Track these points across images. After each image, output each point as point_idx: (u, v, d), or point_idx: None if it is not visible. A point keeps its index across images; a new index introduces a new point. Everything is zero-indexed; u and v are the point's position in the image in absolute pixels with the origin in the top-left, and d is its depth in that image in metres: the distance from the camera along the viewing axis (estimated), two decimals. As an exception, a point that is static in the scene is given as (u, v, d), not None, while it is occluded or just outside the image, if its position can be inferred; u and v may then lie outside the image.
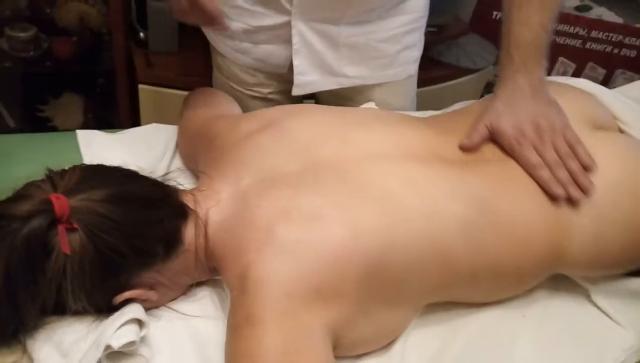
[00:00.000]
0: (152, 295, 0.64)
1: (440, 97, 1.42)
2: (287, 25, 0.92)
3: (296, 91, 1.00)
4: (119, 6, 1.42)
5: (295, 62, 0.96)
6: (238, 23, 0.96)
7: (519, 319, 0.73)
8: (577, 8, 1.93)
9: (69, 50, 1.54)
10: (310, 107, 0.88)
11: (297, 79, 0.98)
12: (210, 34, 1.07)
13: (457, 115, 0.86)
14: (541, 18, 0.76)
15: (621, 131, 0.84)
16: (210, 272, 0.69)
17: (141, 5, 1.51)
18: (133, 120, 1.56)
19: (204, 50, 1.62)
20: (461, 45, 1.78)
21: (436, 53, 1.71)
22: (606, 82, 2.08)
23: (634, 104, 0.89)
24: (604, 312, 0.75)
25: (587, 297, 0.76)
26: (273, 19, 0.93)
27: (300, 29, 0.92)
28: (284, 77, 1.03)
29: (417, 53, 1.07)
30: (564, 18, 1.94)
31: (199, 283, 0.71)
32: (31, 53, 1.51)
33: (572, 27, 1.97)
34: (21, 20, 1.53)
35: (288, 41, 0.94)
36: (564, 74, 2.05)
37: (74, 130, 0.94)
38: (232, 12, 0.95)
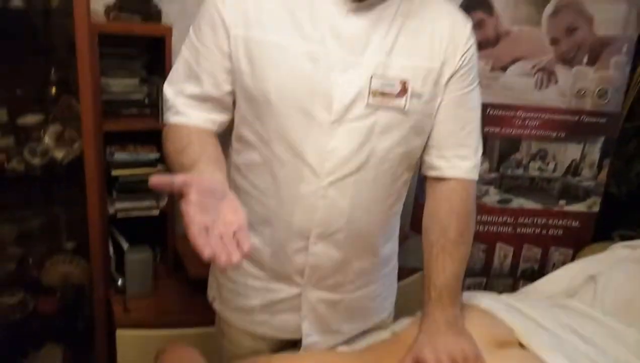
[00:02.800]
0: None
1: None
2: (298, 296, 1.03)
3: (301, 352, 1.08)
4: (100, 261, 1.61)
5: (302, 327, 1.05)
6: (256, 300, 1.05)
7: None
8: (500, 201, 2.25)
9: (53, 308, 1.67)
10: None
11: (305, 341, 1.06)
12: (224, 310, 1.12)
13: (390, 346, 1.01)
14: (453, 267, 0.97)
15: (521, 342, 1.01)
16: None
17: (120, 255, 1.72)
18: (111, 366, 1.62)
19: (178, 289, 1.79)
20: (405, 247, 2.01)
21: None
22: (544, 259, 2.31)
23: (528, 307, 1.11)
24: None
25: None
26: (286, 292, 1.03)
27: (309, 297, 1.03)
28: (284, 343, 1.12)
29: (392, 298, 1.21)
30: (491, 211, 2.24)
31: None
32: (17, 316, 1.62)
33: (501, 217, 2.26)
34: (9, 283, 1.68)
35: (298, 309, 1.04)
36: (504, 257, 2.28)
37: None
38: (250, 290, 1.05)
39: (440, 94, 0.93)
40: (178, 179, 0.69)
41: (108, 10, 1.57)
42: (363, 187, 0.93)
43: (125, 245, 1.72)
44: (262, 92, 0.88)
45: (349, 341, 1.10)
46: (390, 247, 1.12)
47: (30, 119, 1.56)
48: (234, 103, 0.95)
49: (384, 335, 1.11)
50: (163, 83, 0.98)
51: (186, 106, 0.93)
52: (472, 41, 0.95)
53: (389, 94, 0.88)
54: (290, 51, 0.86)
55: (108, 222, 1.67)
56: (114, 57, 1.63)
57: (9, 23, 1.45)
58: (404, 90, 0.89)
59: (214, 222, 0.68)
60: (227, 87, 0.92)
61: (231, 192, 0.75)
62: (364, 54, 0.87)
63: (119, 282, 1.72)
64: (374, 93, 0.87)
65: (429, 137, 0.98)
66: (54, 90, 1.60)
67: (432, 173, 1.00)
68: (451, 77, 0.93)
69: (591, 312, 1.20)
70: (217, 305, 1.14)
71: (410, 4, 0.91)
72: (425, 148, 0.99)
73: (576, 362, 0.96)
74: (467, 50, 0.94)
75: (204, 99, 0.93)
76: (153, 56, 1.68)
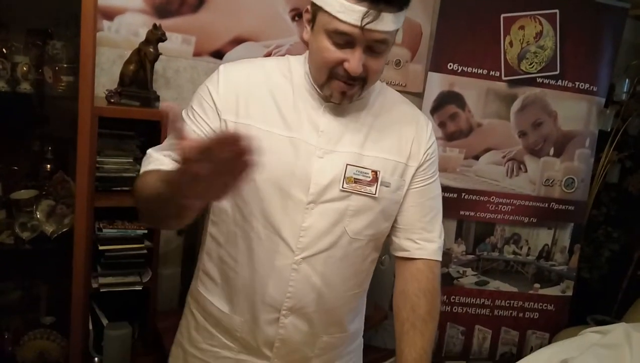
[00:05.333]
0: None
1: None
2: None
3: None
4: (78, 337, 1.59)
5: None
6: None
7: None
8: (477, 283, 2.31)
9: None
10: None
11: None
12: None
13: None
14: (423, 342, 1.02)
15: None
16: None
17: (98, 330, 1.70)
18: None
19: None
20: (384, 328, 2.03)
21: (365, 339, 1.93)
22: (521, 342, 2.34)
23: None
24: None
25: None
26: None
27: None
28: None
29: None
30: (469, 292, 2.30)
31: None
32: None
33: (478, 299, 2.31)
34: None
35: None
36: (483, 340, 2.31)
37: None
38: (219, 361, 1.07)
39: (405, 184, 1.04)
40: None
41: (109, 95, 1.68)
42: (334, 263, 1.00)
43: (104, 321, 1.72)
44: None
45: None
46: (358, 323, 1.16)
47: (23, 194, 1.61)
48: None
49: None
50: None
51: (161, 154, 0.96)
52: (433, 140, 1.08)
53: (361, 181, 0.98)
54: (274, 137, 0.95)
55: (90, 297, 1.68)
56: (111, 137, 1.72)
57: (16, 105, 1.54)
58: (375, 179, 0.99)
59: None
60: None
61: None
62: (338, 144, 0.98)
63: (96, 360, 1.69)
64: (348, 179, 0.97)
65: (397, 221, 1.06)
66: (49, 166, 1.67)
67: (401, 254, 1.07)
68: (416, 170, 1.04)
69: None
70: None
71: (381, 104, 1.04)
72: (394, 231, 1.07)
73: None
74: (429, 148, 1.06)
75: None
76: (148, 136, 1.78)
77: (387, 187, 1.00)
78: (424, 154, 1.04)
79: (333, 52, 0.89)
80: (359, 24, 0.85)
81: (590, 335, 1.52)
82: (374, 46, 0.89)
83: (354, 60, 0.88)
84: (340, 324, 1.08)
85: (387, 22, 0.87)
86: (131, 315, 1.81)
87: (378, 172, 0.99)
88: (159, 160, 0.96)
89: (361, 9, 0.84)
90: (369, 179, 0.99)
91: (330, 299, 1.03)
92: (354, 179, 0.98)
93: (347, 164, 0.97)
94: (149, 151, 1.00)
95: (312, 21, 0.93)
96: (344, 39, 0.88)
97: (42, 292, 1.74)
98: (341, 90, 0.93)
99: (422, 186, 1.05)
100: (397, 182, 1.02)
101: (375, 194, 0.99)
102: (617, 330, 1.45)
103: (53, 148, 1.66)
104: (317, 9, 0.90)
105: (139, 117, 1.68)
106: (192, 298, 1.13)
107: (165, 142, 1.01)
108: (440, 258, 1.08)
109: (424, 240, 1.06)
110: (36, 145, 1.67)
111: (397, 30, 0.92)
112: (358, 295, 1.10)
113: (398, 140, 1.02)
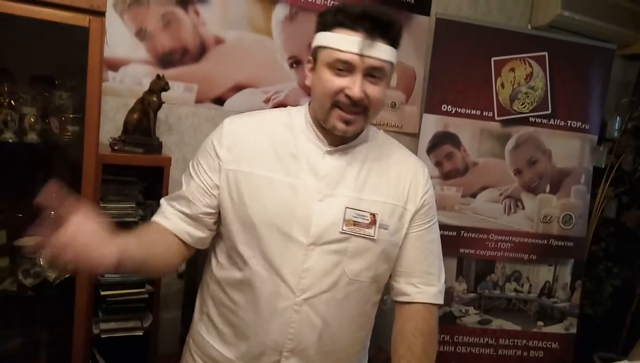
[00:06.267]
0: None
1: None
2: None
3: None
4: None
5: None
6: None
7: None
8: (479, 322, 2.29)
9: None
10: None
11: None
12: None
13: None
14: None
15: None
16: None
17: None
18: None
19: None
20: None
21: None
22: (527, 382, 2.30)
23: None
24: None
25: None
26: None
27: None
28: None
29: None
30: (472, 332, 2.28)
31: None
32: None
33: (482, 338, 2.29)
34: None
35: None
36: (488, 381, 2.27)
37: None
38: None
39: (403, 228, 1.06)
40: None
41: (113, 142, 1.73)
42: (335, 305, 1.02)
43: (105, 368, 1.71)
44: (248, 217, 1.00)
45: None
46: None
47: (27, 240, 1.63)
48: (213, 224, 1.06)
49: None
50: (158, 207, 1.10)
51: (173, 215, 1.05)
52: (430, 185, 1.11)
53: (360, 224, 1.01)
54: (275, 182, 1.00)
55: (91, 342, 1.67)
56: (114, 183, 1.76)
57: (22, 154, 1.59)
58: (373, 221, 1.02)
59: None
60: (209, 208, 1.04)
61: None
62: (338, 188, 1.01)
63: (95, 408, 1.67)
64: (348, 222, 1.00)
65: (397, 266, 1.08)
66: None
67: (401, 298, 1.09)
68: (414, 215, 1.07)
69: None
70: None
71: (378, 149, 1.08)
72: (394, 276, 1.09)
73: None
74: (426, 192, 1.09)
75: (188, 217, 1.05)
76: (150, 182, 1.82)
77: (385, 229, 1.03)
78: (422, 198, 1.08)
79: (335, 81, 0.96)
80: (357, 51, 0.93)
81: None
82: (372, 73, 0.96)
83: (354, 85, 0.95)
84: None
85: (383, 50, 0.95)
86: (131, 359, 1.80)
87: (376, 215, 1.02)
88: (167, 217, 1.05)
89: (358, 38, 0.93)
90: (367, 222, 1.02)
91: (332, 341, 1.04)
92: (353, 221, 1.01)
93: (346, 207, 1.00)
94: (162, 202, 1.09)
95: (314, 62, 1.00)
96: (344, 67, 0.95)
97: (43, 338, 1.73)
98: (344, 119, 0.98)
99: (421, 230, 1.08)
100: (396, 225, 1.05)
101: (374, 236, 1.02)
102: (621, 368, 1.44)
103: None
104: (317, 50, 0.98)
105: (142, 163, 1.72)
106: (192, 341, 1.14)
107: (175, 192, 1.09)
108: (440, 302, 1.09)
109: (424, 284, 1.08)
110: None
111: (392, 66, 0.99)
112: (360, 338, 1.11)
113: (396, 184, 1.06)
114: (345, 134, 1.00)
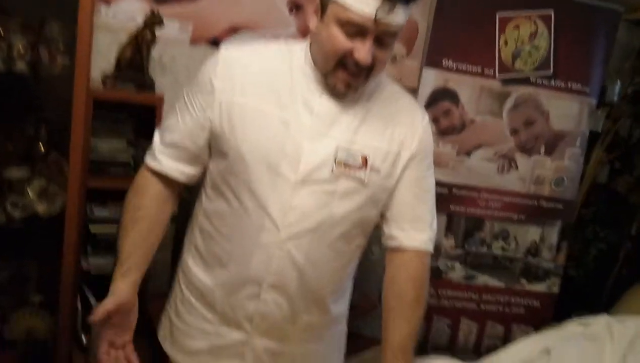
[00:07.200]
0: None
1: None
2: (244, 343, 1.08)
3: None
4: (66, 316, 1.60)
5: None
6: (203, 343, 1.10)
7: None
8: (465, 277, 2.33)
9: (12, 363, 1.63)
10: None
11: None
12: (173, 351, 1.17)
13: None
14: (409, 329, 1.05)
15: None
16: None
17: (87, 313, 1.71)
18: None
19: (145, 351, 1.77)
20: (373, 317, 2.05)
21: (354, 328, 1.96)
22: (507, 336, 2.37)
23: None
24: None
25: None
26: (233, 337, 1.07)
27: (254, 346, 1.08)
28: None
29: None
30: (457, 286, 2.32)
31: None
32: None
33: (466, 293, 2.34)
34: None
35: (243, 357, 1.08)
36: (468, 333, 2.33)
37: None
38: (199, 333, 1.10)
39: (396, 174, 1.06)
40: (98, 315, 1.01)
41: (105, 78, 1.69)
42: (318, 244, 1.02)
43: (93, 301, 1.73)
44: (238, 148, 0.99)
45: None
46: (340, 307, 1.18)
47: (15, 172, 1.62)
48: (206, 158, 1.06)
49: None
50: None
51: (162, 153, 1.05)
52: (429, 132, 1.10)
53: (351, 166, 1.00)
54: (267, 115, 0.98)
55: (80, 278, 1.69)
56: (105, 120, 1.73)
57: (12, 85, 1.55)
58: (364, 164, 1.01)
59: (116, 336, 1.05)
60: (200, 142, 1.04)
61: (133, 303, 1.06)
62: (332, 128, 1.00)
63: (84, 341, 1.71)
64: (338, 163, 0.99)
65: (388, 211, 1.08)
66: (42, 147, 1.68)
67: (391, 243, 1.09)
68: (408, 161, 1.05)
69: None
70: (167, 346, 1.18)
71: (378, 94, 1.06)
72: (385, 221, 1.10)
73: None
74: (423, 140, 1.08)
75: (177, 148, 1.04)
76: (143, 120, 1.79)
77: (376, 173, 1.02)
78: (418, 145, 1.06)
79: (343, 42, 0.91)
80: (373, 16, 0.87)
81: (573, 327, 1.55)
82: (384, 38, 0.92)
83: (364, 50, 0.90)
84: (322, 305, 1.10)
85: (400, 15, 0.90)
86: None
87: (368, 158, 1.01)
88: (157, 159, 1.06)
89: (375, 2, 0.86)
90: (358, 164, 1.01)
91: (313, 279, 1.05)
92: (344, 162, 1.00)
93: (338, 148, 0.99)
94: (155, 134, 1.08)
95: (322, 11, 0.94)
96: (355, 29, 0.90)
97: (32, 271, 1.75)
98: (346, 81, 0.96)
99: (415, 177, 1.07)
100: (388, 170, 1.04)
101: (364, 179, 1.01)
102: (600, 322, 1.48)
103: (47, 129, 1.67)
104: (327, 1, 0.92)
105: (134, 100, 1.69)
106: (181, 271, 1.15)
107: (166, 120, 1.08)
108: (431, 249, 1.10)
109: (415, 229, 1.08)
110: (31, 125, 1.68)
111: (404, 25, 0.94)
112: (341, 277, 1.12)
113: (392, 129, 1.04)
114: (345, 94, 0.98)
